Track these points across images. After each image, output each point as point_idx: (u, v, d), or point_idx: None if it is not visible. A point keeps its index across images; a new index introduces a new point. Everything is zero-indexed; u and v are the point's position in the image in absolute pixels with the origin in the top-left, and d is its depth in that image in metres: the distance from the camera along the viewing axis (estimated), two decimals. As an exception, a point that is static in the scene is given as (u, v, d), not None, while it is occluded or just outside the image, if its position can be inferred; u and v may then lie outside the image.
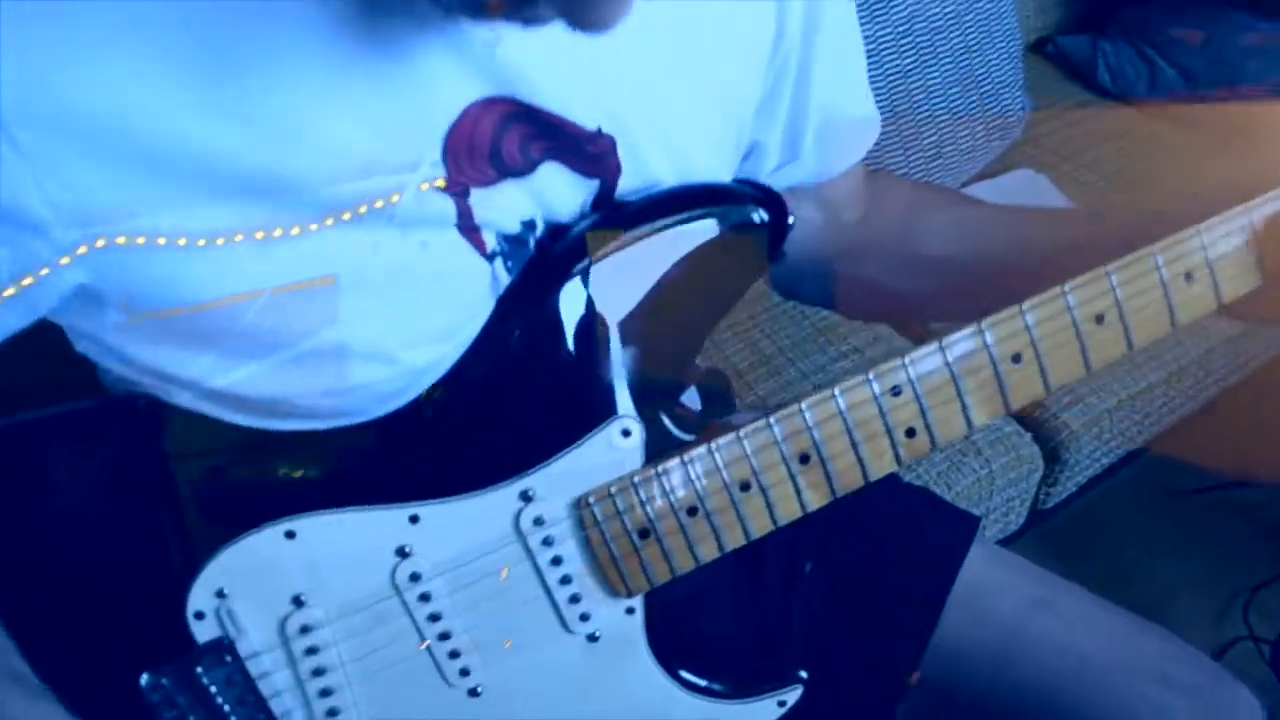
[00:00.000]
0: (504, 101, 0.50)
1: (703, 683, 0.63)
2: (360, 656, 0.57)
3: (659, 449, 0.57)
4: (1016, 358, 0.55)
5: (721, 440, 0.56)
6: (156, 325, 0.49)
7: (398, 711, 0.59)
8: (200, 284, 0.47)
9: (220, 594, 0.55)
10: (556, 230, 0.56)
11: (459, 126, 0.49)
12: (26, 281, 0.45)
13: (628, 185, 0.57)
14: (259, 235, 0.47)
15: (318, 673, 0.57)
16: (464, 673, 0.59)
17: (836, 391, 0.55)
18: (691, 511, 0.57)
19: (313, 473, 0.55)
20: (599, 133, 0.54)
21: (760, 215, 0.58)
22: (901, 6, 1.46)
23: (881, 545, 0.80)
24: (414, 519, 0.56)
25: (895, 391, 0.55)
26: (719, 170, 0.61)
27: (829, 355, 1.33)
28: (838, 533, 0.78)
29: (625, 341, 0.57)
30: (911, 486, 0.87)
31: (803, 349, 1.34)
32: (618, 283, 0.56)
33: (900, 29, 1.46)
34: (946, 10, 1.51)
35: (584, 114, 0.53)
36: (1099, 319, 0.54)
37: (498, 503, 0.56)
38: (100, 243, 0.45)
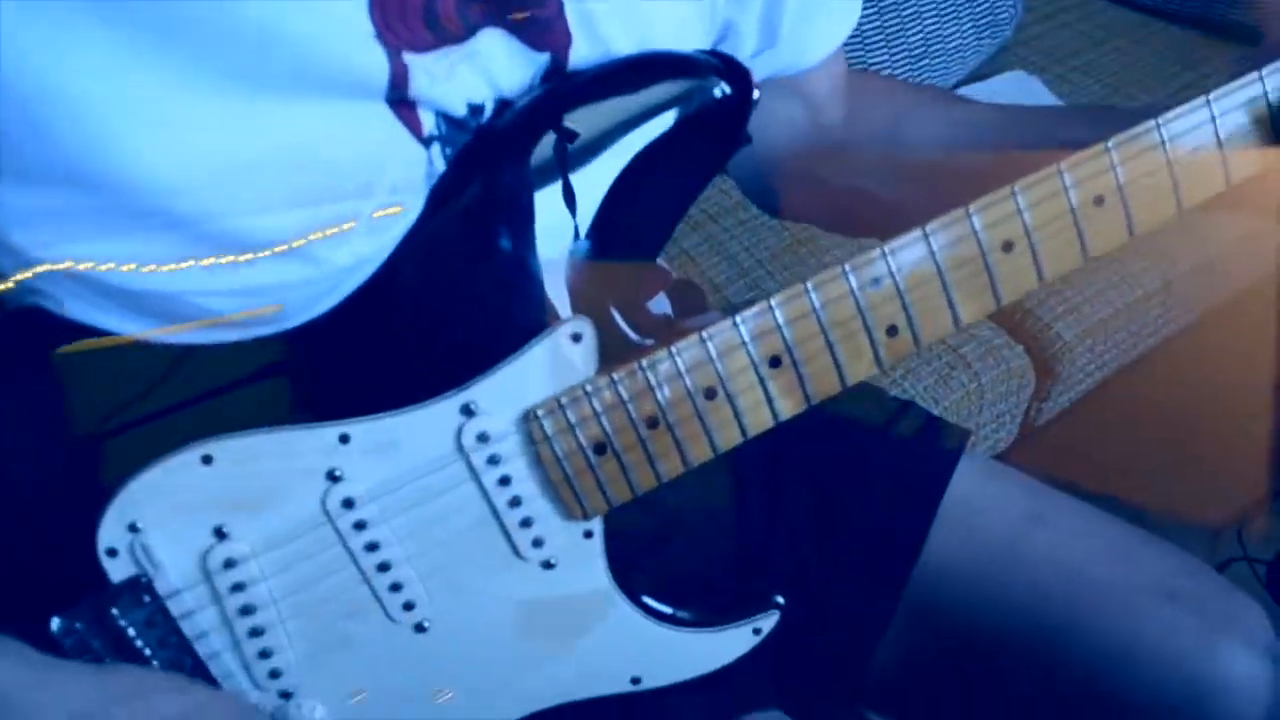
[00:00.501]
0: None
1: (670, 610, 0.59)
2: (292, 592, 0.53)
3: (614, 355, 0.52)
4: (1008, 245, 0.51)
5: (683, 343, 0.51)
6: None
7: (338, 651, 0.55)
8: None
9: (133, 528, 0.51)
10: (501, 111, 0.52)
11: None
12: None
13: (581, 61, 0.52)
14: None
15: (246, 611, 0.53)
16: (408, 606, 0.55)
17: (809, 285, 0.50)
18: (652, 423, 0.52)
19: (229, 390, 0.51)
20: None
21: (722, 89, 0.53)
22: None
23: (865, 460, 0.76)
24: (344, 438, 0.51)
25: (875, 283, 0.50)
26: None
27: (809, 267, 1.27)
28: (818, 446, 0.74)
29: (575, 235, 0.52)
30: (898, 400, 0.83)
31: (782, 260, 1.29)
32: (566, 168, 0.51)
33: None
34: (934, -105, 1.45)
35: None
36: (1098, 201, 0.50)
37: (436, 418, 0.52)
38: None
